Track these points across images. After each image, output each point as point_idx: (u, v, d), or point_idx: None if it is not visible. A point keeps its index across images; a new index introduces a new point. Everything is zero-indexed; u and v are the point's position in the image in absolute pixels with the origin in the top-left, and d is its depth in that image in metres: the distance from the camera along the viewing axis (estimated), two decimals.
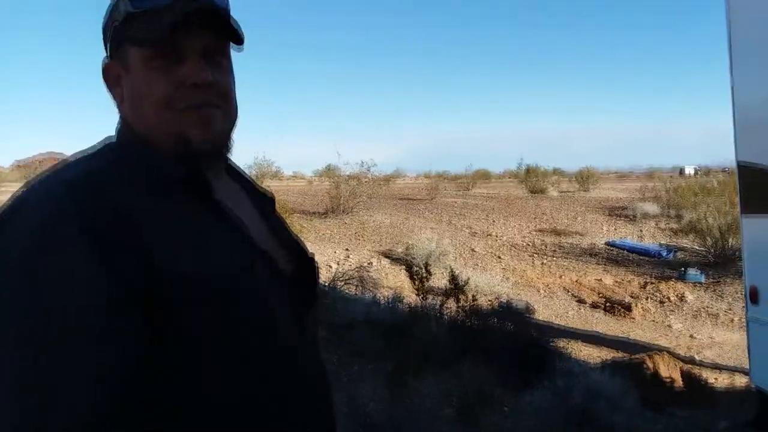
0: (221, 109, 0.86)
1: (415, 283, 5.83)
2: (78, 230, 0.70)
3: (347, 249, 11.58)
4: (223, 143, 0.90)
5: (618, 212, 17.36)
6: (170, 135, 0.83)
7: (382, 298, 6.96)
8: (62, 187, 0.74)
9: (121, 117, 0.89)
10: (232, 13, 0.89)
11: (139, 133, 0.85)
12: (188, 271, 0.74)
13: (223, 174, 0.95)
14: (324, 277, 7.31)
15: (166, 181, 0.82)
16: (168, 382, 0.73)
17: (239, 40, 0.88)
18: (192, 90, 0.82)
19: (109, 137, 0.89)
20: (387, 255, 11.16)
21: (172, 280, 0.73)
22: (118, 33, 0.85)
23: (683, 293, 9.32)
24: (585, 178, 26.83)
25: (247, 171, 1.06)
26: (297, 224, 10.86)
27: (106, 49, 0.89)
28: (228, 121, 0.89)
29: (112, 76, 0.87)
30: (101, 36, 0.90)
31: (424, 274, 5.74)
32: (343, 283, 7.20)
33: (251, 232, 0.87)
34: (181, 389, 0.74)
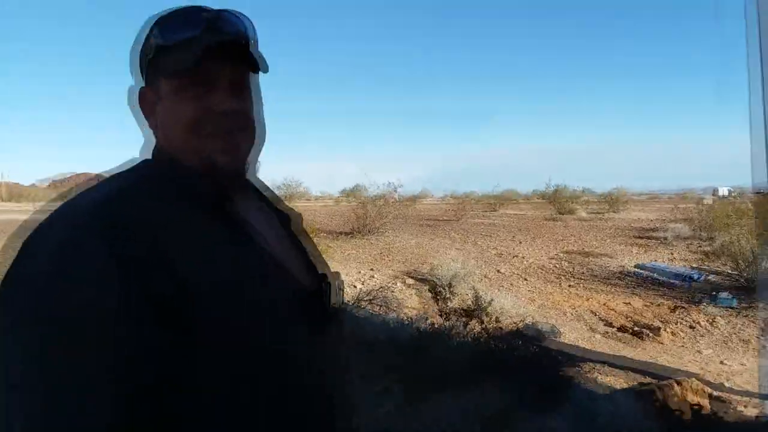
0: (244, 134, 0.94)
1: (438, 303, 5.84)
2: (104, 245, 0.73)
3: (372, 269, 11.62)
4: (244, 165, 0.97)
5: (648, 234, 17.07)
6: (198, 158, 0.89)
7: (405, 317, 6.98)
8: (92, 204, 0.79)
9: (156, 141, 0.95)
10: (258, 40, 0.97)
11: (170, 154, 0.91)
12: (210, 283, 0.78)
13: (247, 192, 1.00)
14: (349, 296, 7.37)
15: (193, 198, 0.87)
16: (180, 393, 0.75)
17: (262, 69, 0.95)
18: (220, 117, 0.88)
19: (146, 159, 0.96)
20: (412, 275, 11.16)
21: (193, 292, 0.76)
22: (152, 65, 0.92)
23: (714, 318, 9.09)
24: (614, 200, 26.46)
25: (276, 191, 1.12)
26: (323, 244, 10.96)
27: (142, 76, 0.96)
28: (248, 146, 0.96)
29: (148, 103, 0.94)
30: (132, 62, 0.96)
31: (447, 295, 5.75)
32: (367, 302, 7.25)
33: (271, 248, 0.92)
34: (192, 401, 0.76)
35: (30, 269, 0.74)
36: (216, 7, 0.95)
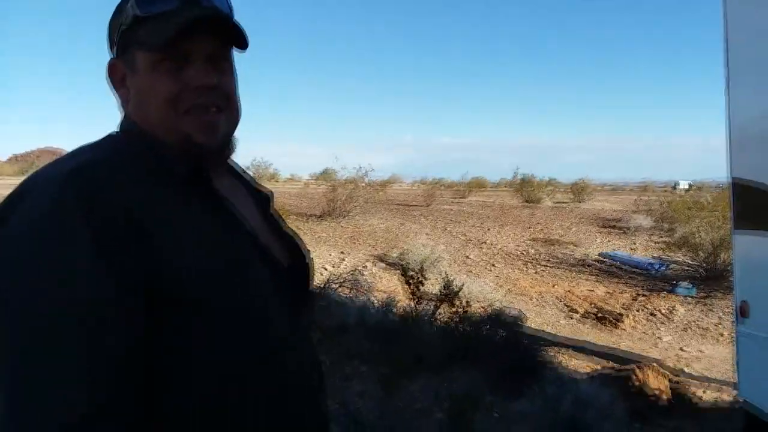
0: (224, 111, 0.89)
1: (409, 288, 5.86)
2: (77, 219, 0.70)
3: (342, 252, 11.61)
4: (226, 144, 0.93)
5: (611, 224, 17.47)
6: (175, 135, 0.85)
7: (375, 301, 7.00)
8: (64, 175, 0.74)
9: (124, 115, 0.91)
10: (236, 17, 0.93)
11: (145, 130, 0.87)
12: (191, 264, 0.76)
13: (224, 172, 0.97)
14: (318, 279, 7.33)
15: (169, 175, 0.83)
16: (166, 374, 0.74)
17: (244, 45, 0.91)
18: (197, 92, 0.85)
19: (111, 133, 0.91)
20: (382, 259, 11.19)
21: (174, 273, 0.74)
22: (125, 36, 0.87)
23: (674, 306, 9.39)
24: (579, 190, 26.97)
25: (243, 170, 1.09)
26: (293, 226, 10.83)
27: (111, 49, 0.91)
28: (230, 124, 0.92)
29: (117, 76, 0.90)
30: (106, 35, 0.92)
31: (419, 279, 5.77)
32: (337, 285, 7.23)
33: (252, 226, 0.90)
34: (178, 382, 0.75)
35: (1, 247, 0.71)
36: None
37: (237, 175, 1.02)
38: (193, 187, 0.84)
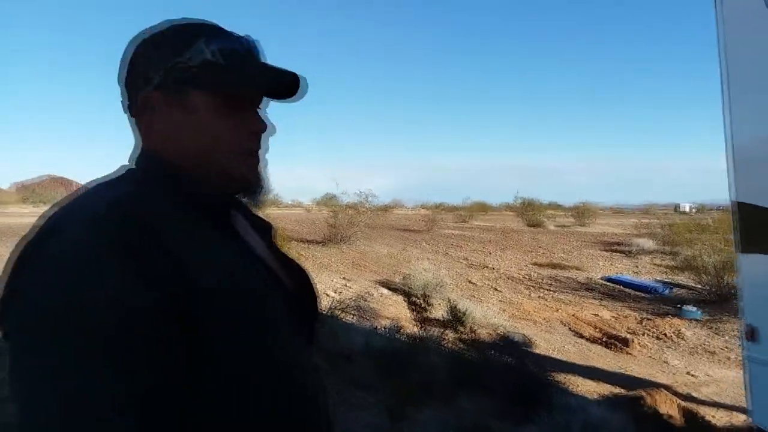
0: (260, 154, 0.96)
1: (413, 313, 5.83)
2: (118, 247, 0.72)
3: (345, 278, 11.57)
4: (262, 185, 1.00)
5: (614, 247, 17.44)
6: (229, 175, 0.90)
7: (380, 327, 6.95)
8: (104, 207, 0.76)
9: (144, 147, 0.92)
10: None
11: (176, 165, 0.89)
12: (218, 287, 0.78)
13: (237, 203, 1.01)
14: (323, 305, 7.30)
15: (195, 208, 0.86)
16: (191, 396, 0.75)
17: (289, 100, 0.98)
18: (253, 137, 0.92)
19: (124, 166, 0.93)
20: (385, 284, 11.15)
21: (205, 299, 0.76)
22: (185, 73, 0.88)
23: (680, 330, 9.32)
24: (581, 213, 27.00)
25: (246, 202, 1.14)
26: (295, 251, 10.86)
27: (147, 79, 0.90)
28: (262, 166, 0.98)
29: (148, 106, 0.90)
30: (126, 61, 0.92)
31: (423, 305, 5.74)
32: (341, 312, 7.19)
33: (264, 257, 0.94)
34: (201, 403, 0.76)
35: (42, 277, 0.71)
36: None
37: (239, 206, 1.05)
38: (214, 220, 0.88)
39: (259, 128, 0.92)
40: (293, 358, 0.88)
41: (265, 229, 1.06)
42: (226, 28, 0.94)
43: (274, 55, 0.95)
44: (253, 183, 0.94)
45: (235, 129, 0.90)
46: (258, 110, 0.94)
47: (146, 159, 0.92)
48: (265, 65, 0.93)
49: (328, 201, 21.56)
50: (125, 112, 0.94)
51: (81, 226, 0.74)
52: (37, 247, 0.75)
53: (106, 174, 0.91)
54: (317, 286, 1.08)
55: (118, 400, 0.67)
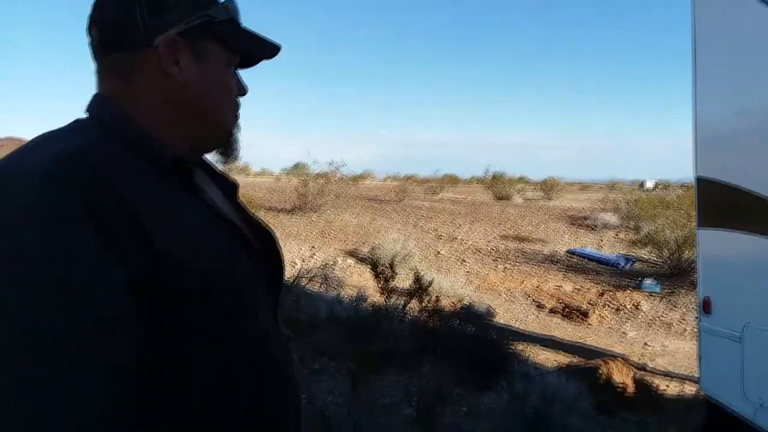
0: None
1: (379, 283, 5.85)
2: (76, 204, 0.64)
3: (313, 246, 11.53)
4: None
5: (580, 221, 17.73)
6: (220, 125, 0.92)
7: (345, 296, 6.97)
8: (51, 161, 0.67)
9: (107, 94, 0.84)
10: None
11: (144, 115, 0.83)
12: (186, 255, 0.73)
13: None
14: (289, 273, 7.27)
15: (155, 164, 0.80)
16: (163, 370, 0.71)
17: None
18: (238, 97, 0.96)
19: (78, 119, 0.84)
20: (352, 254, 11.16)
21: (171, 264, 0.71)
22: (209, 24, 0.87)
23: (639, 302, 9.58)
24: (549, 187, 27.35)
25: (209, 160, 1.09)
26: (264, 219, 10.75)
27: (166, 21, 0.83)
28: None
29: (170, 52, 0.83)
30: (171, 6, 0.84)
31: (389, 274, 5.76)
32: (307, 280, 7.18)
33: (229, 215, 0.89)
34: (173, 377, 0.72)
35: None
36: None
37: (203, 164, 1.00)
38: (178, 178, 0.82)
39: (244, 90, 0.96)
40: (264, 327, 0.86)
41: (229, 186, 1.02)
42: None
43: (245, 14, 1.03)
44: (235, 140, 0.97)
45: (237, 85, 0.95)
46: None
47: (107, 107, 0.83)
48: (253, 32, 0.96)
49: (299, 170, 21.32)
50: (97, 51, 0.85)
51: (21, 184, 0.65)
52: None
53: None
54: (283, 252, 1.04)
55: (75, 386, 0.61)
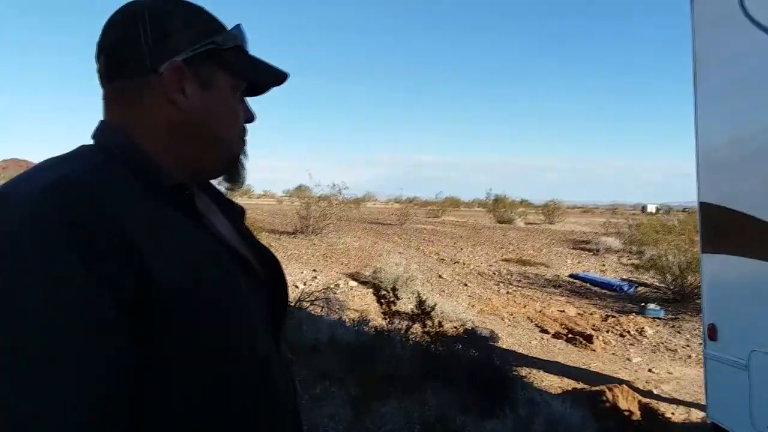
0: None
1: (382, 306, 5.81)
2: (65, 229, 0.65)
3: (315, 269, 11.50)
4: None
5: (582, 245, 17.70)
6: (226, 153, 0.93)
7: (347, 320, 6.92)
8: (49, 185, 0.69)
9: (112, 121, 0.86)
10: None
11: (147, 141, 0.84)
12: (177, 277, 0.72)
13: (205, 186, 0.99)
14: (290, 297, 7.22)
15: (154, 190, 0.80)
16: (152, 392, 0.70)
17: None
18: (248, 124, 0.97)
19: (89, 145, 0.85)
20: (355, 277, 11.12)
21: (163, 289, 0.70)
22: (215, 52, 0.88)
23: (643, 327, 9.50)
24: (551, 211, 27.34)
25: (218, 187, 1.08)
26: (265, 242, 10.75)
27: (171, 49, 0.84)
28: None
29: (174, 79, 0.84)
30: (149, 27, 0.84)
31: (392, 298, 5.73)
32: (309, 303, 7.14)
33: (232, 242, 0.89)
34: (164, 401, 0.71)
35: None
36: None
37: (209, 190, 1.01)
38: (178, 202, 0.82)
39: (251, 116, 0.97)
40: (265, 348, 0.85)
41: (235, 213, 1.02)
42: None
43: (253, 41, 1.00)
44: (241, 166, 0.97)
45: (244, 113, 0.96)
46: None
47: (112, 134, 0.84)
48: (261, 60, 0.97)
49: (301, 192, 21.36)
50: (103, 77, 0.86)
51: (19, 205, 0.67)
52: None
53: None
54: (287, 277, 1.04)
55: (55, 409, 0.61)
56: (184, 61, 0.84)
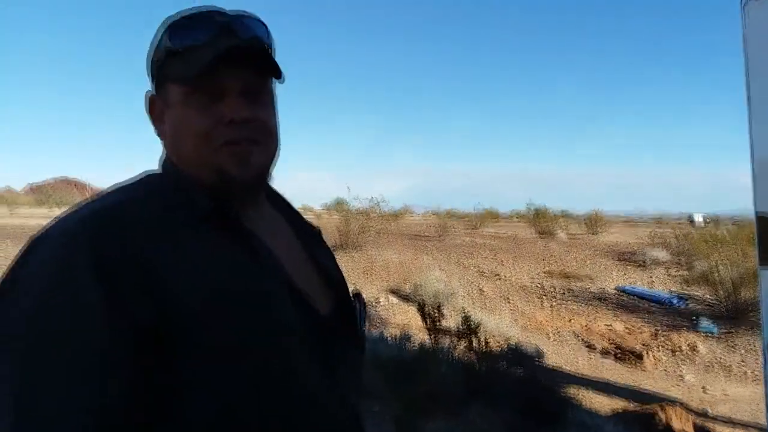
0: (259, 144, 0.86)
1: (426, 323, 5.76)
2: (86, 266, 0.69)
3: (355, 285, 11.51)
4: (262, 177, 0.91)
5: (627, 257, 17.22)
6: (208, 168, 0.83)
7: (389, 336, 6.89)
8: (87, 216, 0.75)
9: (164, 151, 0.90)
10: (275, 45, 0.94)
11: (177, 165, 0.87)
12: (205, 310, 0.72)
13: (262, 203, 0.94)
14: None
15: (191, 212, 0.81)
16: (170, 413, 0.70)
17: (279, 76, 0.89)
18: (229, 127, 0.83)
19: (150, 171, 0.90)
20: (395, 292, 11.08)
21: (185, 319, 0.70)
22: (161, 70, 0.87)
23: (695, 344, 9.15)
24: (593, 222, 26.71)
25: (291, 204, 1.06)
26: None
27: (151, 83, 0.90)
28: (266, 155, 0.89)
29: (156, 111, 0.89)
30: (147, 69, 0.91)
31: (437, 315, 5.67)
32: None
33: (286, 263, 0.86)
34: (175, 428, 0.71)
35: (15, 287, 0.71)
36: (232, 8, 0.90)
37: (281, 207, 0.99)
38: (216, 223, 0.81)
39: (235, 116, 0.83)
40: (306, 389, 0.79)
41: (309, 232, 1.00)
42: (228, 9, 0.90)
43: (283, 52, 0.92)
44: (234, 175, 0.84)
45: (205, 119, 0.83)
46: (239, 96, 0.84)
47: (163, 162, 0.90)
48: (224, 39, 0.84)
49: (339, 206, 21.50)
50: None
51: (54, 240, 0.73)
52: (22, 257, 0.73)
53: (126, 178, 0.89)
54: (362, 301, 0.99)
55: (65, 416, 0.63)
56: (157, 92, 0.89)
